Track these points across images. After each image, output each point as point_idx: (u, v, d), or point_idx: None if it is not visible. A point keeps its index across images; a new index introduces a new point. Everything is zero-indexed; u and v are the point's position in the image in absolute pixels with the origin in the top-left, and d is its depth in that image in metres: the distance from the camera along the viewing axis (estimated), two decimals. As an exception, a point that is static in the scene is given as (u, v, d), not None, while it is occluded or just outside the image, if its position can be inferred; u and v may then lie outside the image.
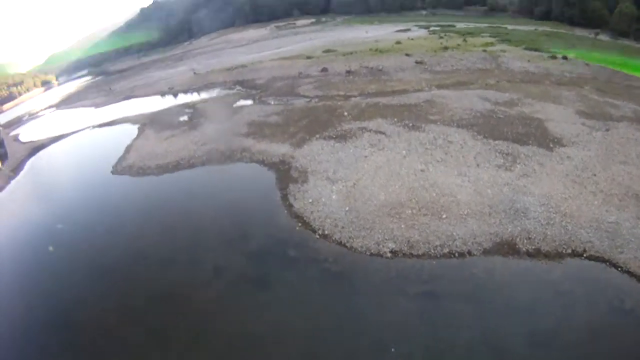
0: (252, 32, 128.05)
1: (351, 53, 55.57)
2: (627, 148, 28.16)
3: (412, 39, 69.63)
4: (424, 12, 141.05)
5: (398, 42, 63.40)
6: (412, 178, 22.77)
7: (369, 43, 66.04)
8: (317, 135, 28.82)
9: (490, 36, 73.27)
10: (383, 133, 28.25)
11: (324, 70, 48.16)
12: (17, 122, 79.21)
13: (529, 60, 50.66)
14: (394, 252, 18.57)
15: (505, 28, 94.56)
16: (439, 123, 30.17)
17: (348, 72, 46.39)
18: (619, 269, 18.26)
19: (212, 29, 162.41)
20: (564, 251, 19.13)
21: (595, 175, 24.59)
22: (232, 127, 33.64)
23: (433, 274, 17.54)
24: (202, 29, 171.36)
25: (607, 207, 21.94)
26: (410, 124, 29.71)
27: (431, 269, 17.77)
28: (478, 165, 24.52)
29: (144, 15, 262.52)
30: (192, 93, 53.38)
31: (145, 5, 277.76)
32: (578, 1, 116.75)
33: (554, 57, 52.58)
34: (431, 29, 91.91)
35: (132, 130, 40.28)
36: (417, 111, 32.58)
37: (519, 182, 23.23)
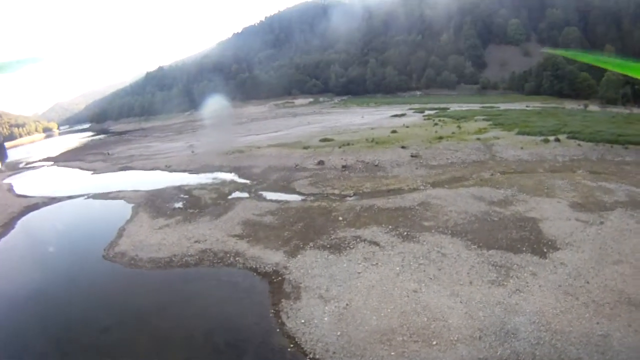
0: (252, 109, 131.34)
1: (348, 144, 56.60)
2: (621, 243, 28.15)
3: (407, 127, 71.46)
4: (418, 93, 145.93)
5: (394, 131, 65.03)
6: (405, 300, 22.58)
7: (365, 131, 67.56)
8: (311, 244, 28.60)
9: (483, 119, 75.58)
10: (377, 244, 28.16)
11: (321, 163, 49.01)
12: (14, 168, 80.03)
13: (522, 148, 51.80)
14: (384, 382, 18.40)
15: (498, 108, 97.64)
16: (433, 231, 30.20)
17: (344, 167, 47.13)
18: (607, 383, 18.20)
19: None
20: (554, 370, 18.96)
21: (588, 282, 24.45)
22: (226, 224, 33.56)
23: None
24: (203, 99, 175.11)
25: (598, 318, 21.77)
26: (405, 233, 29.75)
27: (420, 399, 17.59)
28: (471, 282, 24.39)
29: (149, 79, 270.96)
30: (188, 174, 54.08)
31: (151, 70, 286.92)
32: (567, 74, 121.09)
33: (546, 141, 53.93)
34: (426, 113, 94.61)
35: (126, 209, 40.62)
36: (412, 216, 32.76)
37: (511, 300, 23.03)
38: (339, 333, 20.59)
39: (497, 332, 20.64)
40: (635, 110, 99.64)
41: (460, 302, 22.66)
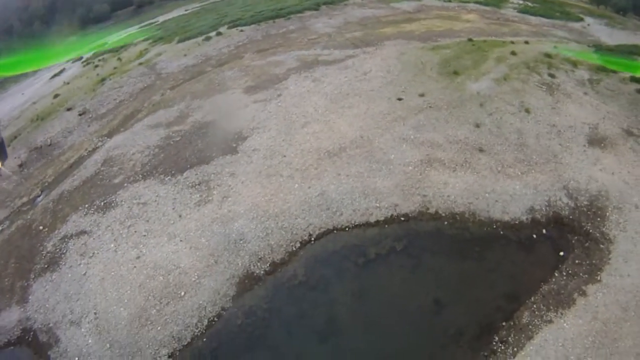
0: None
1: (15, 137, 48.95)
2: (301, 106, 31.60)
3: (68, 83, 64.58)
4: (74, 38, 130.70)
5: (56, 95, 58.69)
6: (135, 272, 23.77)
7: (29, 110, 59.64)
8: (32, 275, 26.03)
9: (143, 39, 71.93)
10: (85, 232, 27.46)
11: (-8, 168, 42.38)
12: None
13: (185, 55, 52.74)
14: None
15: (157, 22, 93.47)
16: (126, 184, 30.54)
17: (20, 165, 41.72)
18: (347, 229, 22.65)
19: None
20: (294, 249, 22.67)
21: (284, 156, 27.77)
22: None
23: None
24: None
25: (308, 183, 25.37)
26: (102, 203, 29.44)
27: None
28: (180, 216, 26.32)
29: None
30: None
31: None
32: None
33: (208, 39, 55.69)
34: (84, 58, 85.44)
35: None
36: (101, 181, 32.17)
37: (223, 211, 25.53)
38: (108, 345, 21.50)
39: (227, 247, 23.42)
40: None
41: (181, 241, 24.66)
